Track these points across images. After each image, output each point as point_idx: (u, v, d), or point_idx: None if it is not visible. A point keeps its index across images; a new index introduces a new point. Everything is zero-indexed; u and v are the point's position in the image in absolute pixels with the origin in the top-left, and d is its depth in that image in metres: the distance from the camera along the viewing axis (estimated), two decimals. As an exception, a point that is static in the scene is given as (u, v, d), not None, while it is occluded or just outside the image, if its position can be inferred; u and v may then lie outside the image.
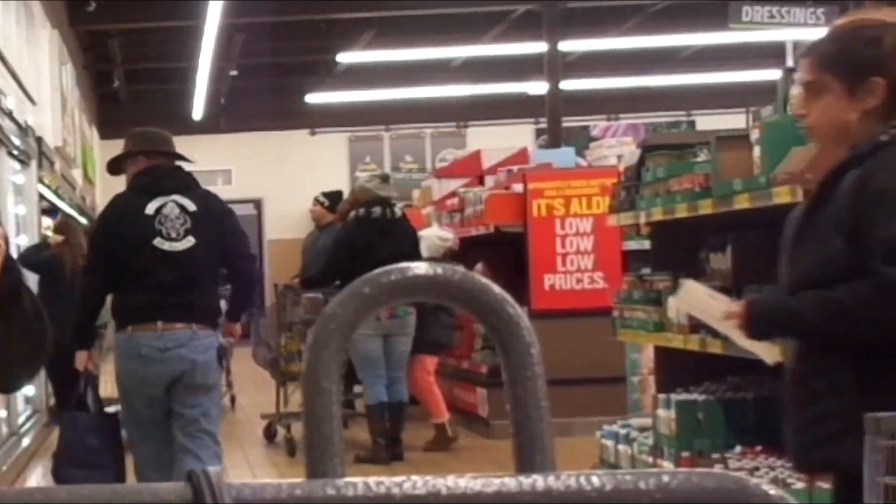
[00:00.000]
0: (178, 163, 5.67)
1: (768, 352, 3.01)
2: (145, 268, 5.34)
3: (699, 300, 3.17)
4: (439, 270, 0.85)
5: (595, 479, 0.77)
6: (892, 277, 2.52)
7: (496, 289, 0.85)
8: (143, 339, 5.33)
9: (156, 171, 5.50)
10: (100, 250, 5.48)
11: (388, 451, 8.38)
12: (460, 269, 0.87)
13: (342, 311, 0.86)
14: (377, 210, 8.41)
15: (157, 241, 5.33)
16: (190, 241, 5.35)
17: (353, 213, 8.54)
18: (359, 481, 0.82)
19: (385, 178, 8.84)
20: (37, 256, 9.28)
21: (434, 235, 9.42)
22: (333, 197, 10.74)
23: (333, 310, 0.86)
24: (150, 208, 5.38)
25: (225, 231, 5.46)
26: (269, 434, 9.59)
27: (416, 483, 0.80)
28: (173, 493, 0.83)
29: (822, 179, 2.71)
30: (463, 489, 0.78)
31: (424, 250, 8.95)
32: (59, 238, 9.50)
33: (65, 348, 9.58)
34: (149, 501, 0.83)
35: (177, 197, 5.41)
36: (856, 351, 2.61)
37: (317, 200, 10.88)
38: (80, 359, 5.58)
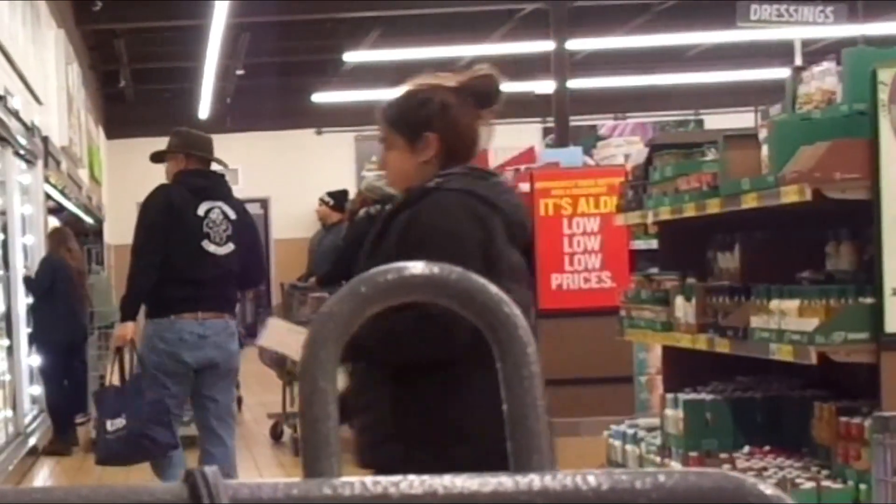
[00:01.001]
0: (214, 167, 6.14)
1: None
2: (188, 265, 5.74)
3: (282, 335, 3.40)
4: (436, 270, 0.84)
5: (591, 479, 0.76)
6: (426, 309, 2.84)
7: (493, 288, 0.84)
8: (186, 325, 5.74)
9: (207, 176, 5.97)
10: (160, 236, 5.77)
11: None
12: (457, 268, 0.86)
13: (339, 310, 0.85)
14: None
15: (205, 243, 5.78)
16: (230, 247, 5.86)
17: (363, 211, 8.51)
18: (355, 480, 0.81)
19: None
20: (51, 264, 9.47)
21: None
22: (339, 196, 10.73)
23: (330, 309, 0.86)
24: (201, 210, 5.82)
25: (252, 242, 6.06)
26: (276, 434, 9.59)
27: (413, 482, 0.79)
28: (170, 493, 0.83)
29: (385, 217, 3.16)
30: (460, 488, 0.78)
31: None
32: (58, 246, 9.69)
33: (65, 347, 9.67)
34: (146, 501, 0.83)
35: (221, 204, 5.87)
36: (395, 369, 3.02)
37: (322, 200, 10.87)
38: (128, 329, 5.82)
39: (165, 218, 5.77)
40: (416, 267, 0.84)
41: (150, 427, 5.61)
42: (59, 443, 9.34)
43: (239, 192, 23.69)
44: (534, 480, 0.77)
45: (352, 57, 16.40)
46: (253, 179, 20.08)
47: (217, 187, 5.93)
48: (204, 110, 18.88)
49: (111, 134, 19.78)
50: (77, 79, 14.32)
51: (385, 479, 0.81)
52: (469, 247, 2.99)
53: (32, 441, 9.24)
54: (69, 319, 9.49)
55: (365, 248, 3.17)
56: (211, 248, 5.80)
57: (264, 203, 20.44)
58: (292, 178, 19.82)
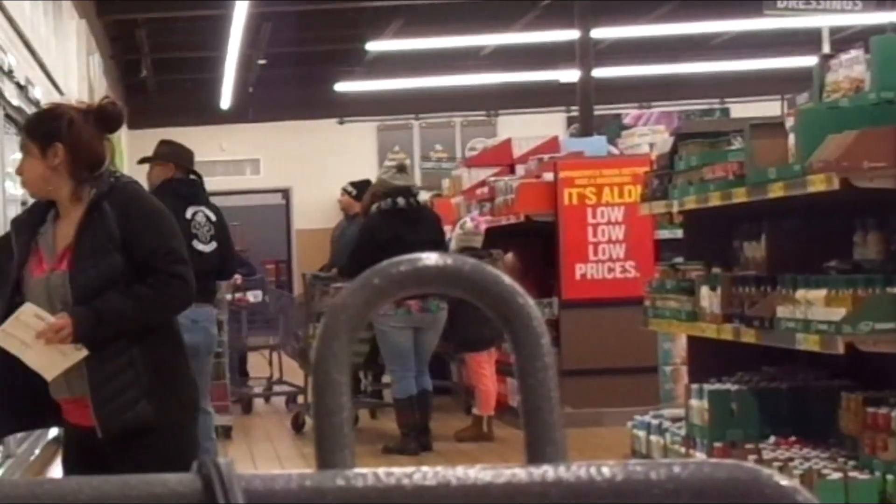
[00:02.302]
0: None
1: (49, 370, 3.58)
2: None
3: (24, 323, 3.55)
4: (449, 261, 0.83)
5: (606, 470, 0.75)
6: (175, 270, 3.64)
7: (507, 279, 0.84)
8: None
9: (192, 184, 6.88)
10: None
11: (416, 442, 8.38)
12: (471, 259, 0.85)
13: (352, 301, 0.85)
14: (401, 201, 8.39)
15: (194, 243, 6.49)
16: (213, 245, 6.72)
17: (376, 206, 8.50)
18: (368, 472, 0.81)
19: (402, 168, 8.82)
20: None
21: (457, 228, 9.46)
22: (362, 186, 10.71)
23: (343, 300, 0.85)
24: (188, 213, 6.63)
25: (228, 240, 6.91)
26: (297, 424, 9.61)
27: (427, 474, 0.79)
28: (183, 484, 0.83)
29: (88, 208, 3.64)
30: (473, 480, 0.77)
31: (453, 244, 8.95)
32: None
33: None
34: (159, 492, 0.83)
35: (203, 208, 6.76)
36: (144, 334, 3.57)
37: (344, 190, 10.87)
38: None
39: None
40: (430, 258, 0.84)
41: None
42: None
43: (260, 181, 23.48)
44: (548, 471, 0.76)
45: (374, 46, 16.38)
46: (274, 169, 20.11)
47: (200, 194, 6.85)
48: (225, 100, 18.90)
49: (132, 124, 19.81)
50: (98, 69, 14.35)
51: (398, 471, 0.80)
52: (175, 223, 3.78)
53: (54, 431, 9.28)
54: None
55: (74, 234, 3.65)
56: (199, 246, 6.57)
57: (286, 193, 20.43)
58: (314, 168, 19.82)
